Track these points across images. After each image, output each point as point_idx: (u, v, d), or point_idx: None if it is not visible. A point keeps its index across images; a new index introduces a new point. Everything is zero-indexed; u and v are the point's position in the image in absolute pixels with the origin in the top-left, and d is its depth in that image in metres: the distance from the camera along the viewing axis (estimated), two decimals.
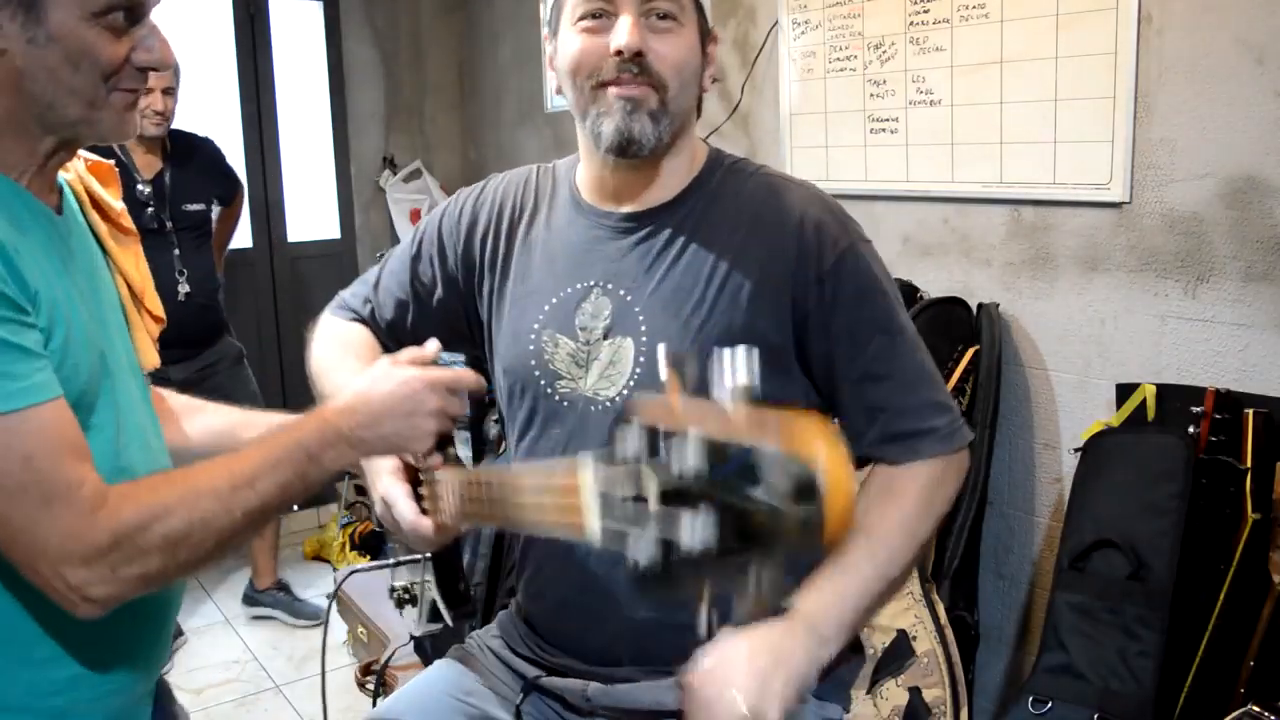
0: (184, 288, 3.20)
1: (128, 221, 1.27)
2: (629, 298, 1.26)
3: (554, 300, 1.31)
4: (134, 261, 1.26)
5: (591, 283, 1.29)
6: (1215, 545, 2.01)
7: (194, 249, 3.27)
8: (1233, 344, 2.07)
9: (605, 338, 1.26)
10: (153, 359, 1.25)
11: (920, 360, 1.23)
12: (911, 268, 2.66)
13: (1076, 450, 2.23)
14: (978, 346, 2.42)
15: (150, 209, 3.16)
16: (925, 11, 2.54)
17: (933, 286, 2.61)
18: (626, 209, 1.30)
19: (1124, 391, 2.21)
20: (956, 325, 2.46)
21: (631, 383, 1.24)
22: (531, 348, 1.31)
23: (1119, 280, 2.25)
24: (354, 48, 4.65)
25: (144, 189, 3.17)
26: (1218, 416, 2.04)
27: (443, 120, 4.89)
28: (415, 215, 4.60)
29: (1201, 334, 2.12)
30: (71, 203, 1.17)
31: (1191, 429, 2.05)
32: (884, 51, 2.66)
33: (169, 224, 3.19)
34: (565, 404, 1.28)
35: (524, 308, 1.34)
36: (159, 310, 1.29)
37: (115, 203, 1.25)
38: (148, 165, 3.23)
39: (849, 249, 1.22)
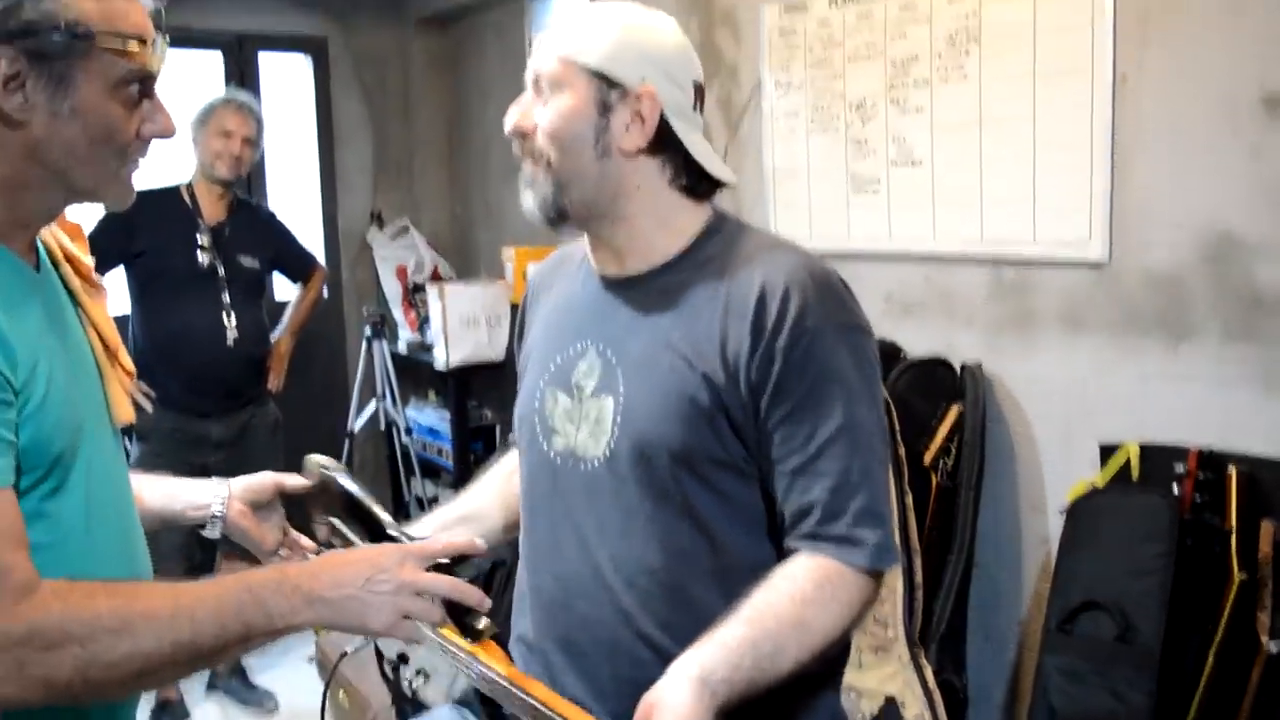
0: (233, 333, 3.27)
1: (96, 277, 1.27)
2: (614, 359, 1.28)
3: (558, 359, 1.34)
4: (104, 315, 1.26)
5: (588, 343, 1.31)
6: (1202, 606, 1.99)
7: (243, 301, 3.34)
8: (1214, 402, 2.07)
9: (593, 396, 1.28)
10: (127, 412, 1.25)
11: (866, 463, 1.18)
12: (894, 327, 2.67)
13: (1062, 511, 2.22)
14: (962, 406, 2.41)
15: (206, 253, 3.26)
16: (906, 72, 2.58)
17: (915, 346, 2.61)
18: (618, 273, 1.32)
19: (1107, 451, 2.21)
20: (940, 385, 2.46)
21: (611, 442, 1.25)
22: (536, 404, 1.35)
23: (1100, 339, 2.26)
24: (343, 104, 4.70)
25: (204, 235, 3.27)
26: (1201, 476, 2.03)
27: (431, 177, 4.92)
28: (401, 272, 4.62)
29: (1183, 392, 2.12)
30: (45, 259, 1.18)
31: (1175, 488, 2.05)
32: (865, 112, 2.69)
33: (221, 270, 3.27)
34: (557, 460, 1.31)
35: (537, 366, 1.38)
36: (129, 365, 1.29)
37: (85, 257, 1.26)
38: (212, 213, 3.33)
39: (814, 331, 1.17)
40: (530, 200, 1.28)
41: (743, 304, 1.20)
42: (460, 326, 4.04)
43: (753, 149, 3.04)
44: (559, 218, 1.28)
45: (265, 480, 1.43)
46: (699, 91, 1.28)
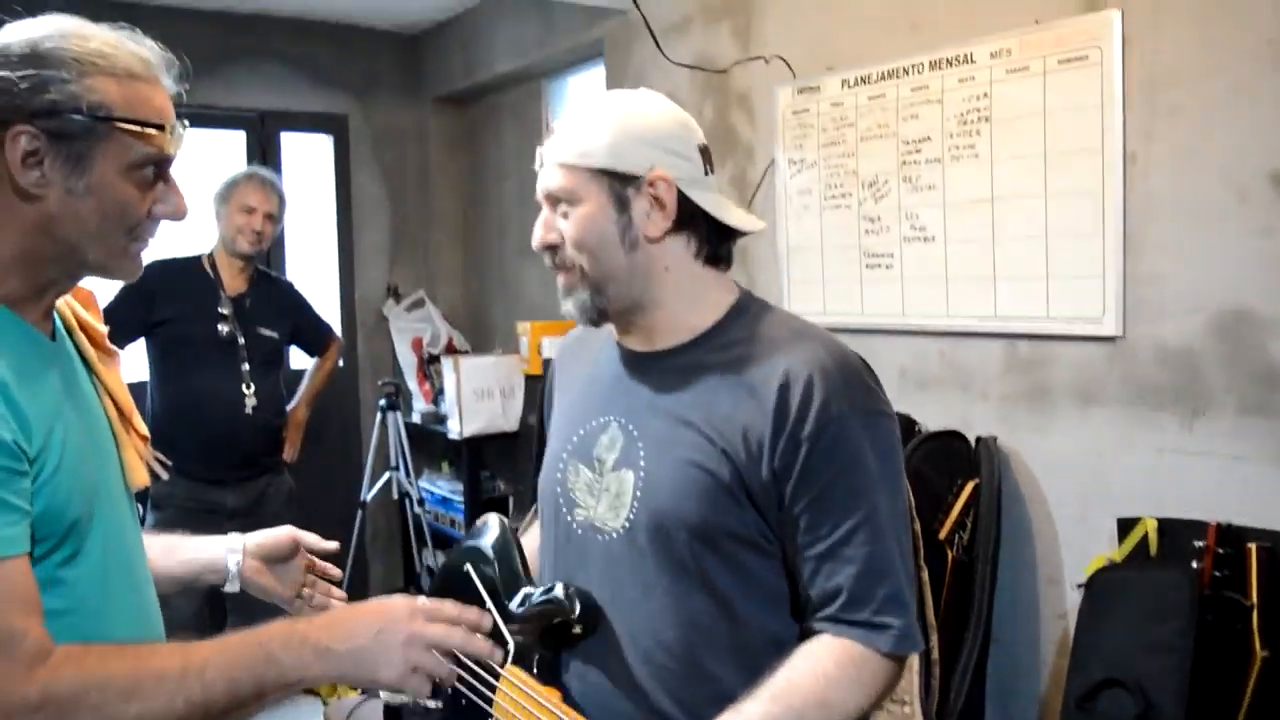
0: (251, 401, 3.29)
1: (109, 344, 1.29)
2: (635, 433, 1.29)
3: (581, 432, 1.36)
4: (118, 381, 1.28)
5: (611, 417, 1.33)
6: (1225, 685, 1.96)
7: (262, 371, 3.36)
8: (1232, 477, 2.07)
9: (614, 470, 1.30)
10: (142, 477, 1.26)
11: (890, 549, 1.18)
12: (909, 401, 2.67)
13: (1080, 586, 2.20)
14: (977, 480, 2.41)
15: (227, 323, 3.29)
16: (918, 151, 2.62)
17: (930, 419, 2.61)
18: (644, 349, 1.34)
19: (1125, 525, 2.20)
20: (955, 458, 2.46)
21: (631, 515, 1.26)
22: (558, 474, 1.37)
23: (1115, 414, 2.26)
24: (362, 180, 4.78)
25: (225, 306, 3.30)
26: (1220, 551, 2.02)
27: (447, 252, 4.99)
28: (417, 344, 4.65)
29: (1200, 467, 2.12)
30: (60, 327, 1.20)
31: (1195, 564, 2.03)
32: (878, 189, 2.72)
33: (241, 340, 3.30)
34: (579, 531, 1.32)
35: (560, 438, 1.40)
36: (144, 430, 1.30)
37: (98, 324, 1.28)
38: (233, 284, 3.36)
39: (838, 418, 1.18)
40: (570, 307, 1.31)
41: (765, 389, 1.21)
42: (474, 398, 4.07)
43: (767, 225, 3.07)
44: (600, 318, 1.31)
45: (281, 536, 1.46)
46: (705, 154, 1.29)
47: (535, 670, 1.25)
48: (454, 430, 4.12)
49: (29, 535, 1.01)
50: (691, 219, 1.27)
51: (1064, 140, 2.29)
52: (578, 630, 1.25)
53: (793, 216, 2.98)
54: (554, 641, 1.28)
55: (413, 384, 4.66)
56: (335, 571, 1.49)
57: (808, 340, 1.25)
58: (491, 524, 1.42)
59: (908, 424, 2.60)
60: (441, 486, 4.46)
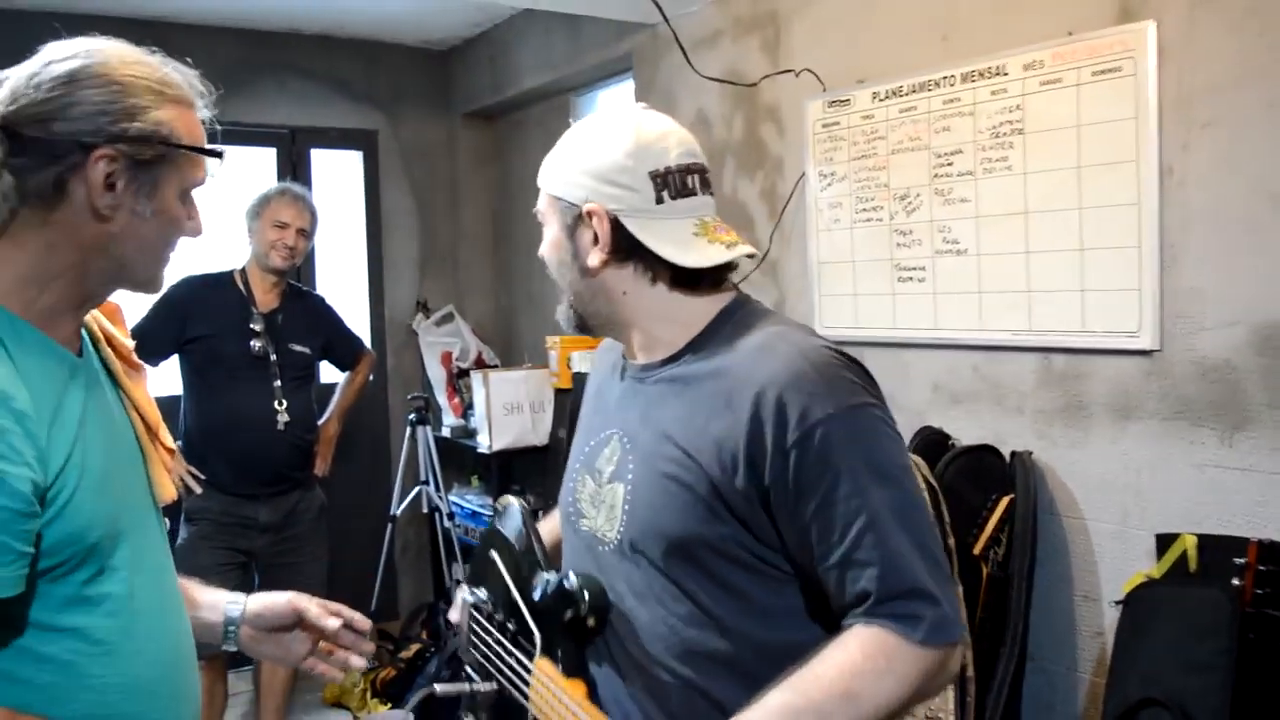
0: (283, 417, 3.31)
1: (135, 358, 1.32)
2: (628, 445, 1.32)
3: (591, 443, 1.39)
4: (145, 395, 1.30)
5: (613, 430, 1.36)
6: (1267, 704, 1.94)
7: (295, 387, 3.39)
8: (1274, 493, 2.04)
9: (609, 482, 1.32)
10: (169, 491, 1.28)
11: (902, 543, 1.15)
12: (943, 415, 2.66)
13: (1118, 603, 2.18)
14: (1012, 495, 2.39)
15: (259, 339, 3.31)
16: (949, 164, 2.61)
17: (964, 434, 2.60)
18: (642, 361, 1.36)
19: (1164, 542, 2.18)
20: (990, 473, 2.45)
21: (621, 528, 1.28)
22: (571, 484, 1.41)
23: (1153, 429, 2.24)
24: (392, 195, 4.82)
25: (257, 323, 3.33)
26: (1262, 568, 1.99)
27: (476, 266, 5.02)
28: (446, 358, 4.68)
29: (1241, 483, 2.10)
30: (87, 342, 1.22)
31: (1235, 581, 2.01)
32: (909, 202, 2.72)
33: (273, 356, 3.33)
34: (584, 542, 1.36)
35: (576, 447, 1.44)
36: (170, 442, 1.32)
37: (125, 340, 1.30)
38: (266, 301, 3.39)
39: (822, 421, 1.16)
40: (559, 316, 1.39)
41: (740, 399, 1.20)
42: (503, 412, 4.09)
43: (797, 239, 3.08)
44: (582, 328, 1.38)
45: (279, 608, 1.44)
46: (665, 179, 1.26)
47: (560, 662, 1.27)
48: (483, 444, 4.13)
49: (24, 578, 1.03)
50: (638, 249, 1.27)
51: (1099, 153, 2.28)
52: (591, 622, 1.27)
53: (823, 230, 2.98)
54: (575, 633, 1.30)
55: (442, 398, 4.69)
56: (363, 622, 1.48)
57: (783, 344, 1.23)
58: (512, 509, 1.46)
59: (941, 438, 2.59)
60: (471, 501, 4.48)
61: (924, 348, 2.72)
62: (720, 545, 1.21)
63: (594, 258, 1.28)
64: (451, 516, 4.31)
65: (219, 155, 1.18)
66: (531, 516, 1.45)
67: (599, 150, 1.28)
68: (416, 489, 4.28)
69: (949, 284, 2.63)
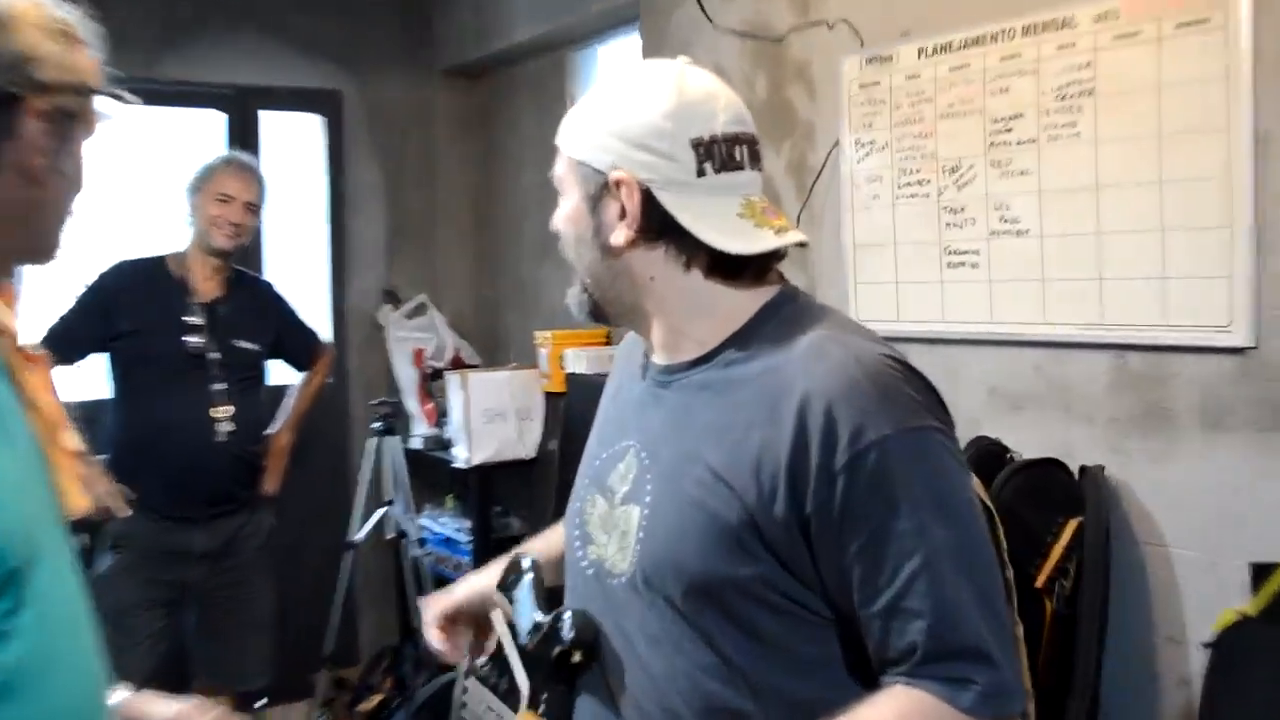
0: (224, 426, 3.29)
1: (33, 348, 1.29)
2: (648, 462, 1.31)
3: (603, 456, 1.39)
4: (45, 386, 1.28)
5: (630, 442, 1.35)
6: None
7: (239, 390, 3.36)
8: None
9: (622, 504, 1.31)
10: (80, 501, 1.26)
11: (959, 592, 1.14)
12: (999, 424, 2.66)
13: (1206, 645, 2.17)
14: (1081, 518, 2.39)
15: (197, 335, 3.29)
16: (1008, 130, 2.61)
17: (1025, 446, 2.59)
18: (667, 361, 1.35)
19: (1261, 573, 2.17)
20: (1055, 492, 2.44)
21: (634, 559, 1.27)
22: (578, 503, 1.40)
23: (1248, 440, 2.23)
24: (356, 167, 4.83)
25: (195, 315, 3.30)
26: None
27: (454, 251, 5.03)
28: (418, 357, 4.69)
29: None
30: None
31: None
32: (961, 175, 2.72)
33: (213, 354, 3.31)
34: (589, 570, 1.34)
35: (586, 459, 1.44)
36: (73, 443, 1.30)
37: (11, 323, 1.28)
38: (206, 290, 3.37)
39: (877, 443, 1.15)
40: (570, 300, 1.39)
41: (783, 412, 1.19)
42: (485, 421, 4.09)
43: (830, 218, 3.08)
44: (597, 317, 1.38)
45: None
46: (709, 148, 1.26)
47: (543, 710, 1.30)
48: (460, 458, 4.13)
49: None
50: (671, 229, 1.27)
51: (1182, 118, 2.27)
52: (576, 658, 1.29)
53: (860, 208, 2.98)
54: (565, 674, 1.31)
55: (413, 404, 4.69)
56: None
57: (836, 349, 1.22)
58: (524, 579, 1.46)
59: (998, 451, 2.58)
60: (445, 524, 4.48)
61: (978, 344, 2.71)
62: (750, 587, 1.20)
63: (619, 235, 1.28)
64: (422, 543, 4.31)
65: (126, 101, 1.17)
66: (540, 579, 1.46)
67: (633, 109, 1.27)
68: (381, 510, 4.28)
69: (1007, 270, 2.63)
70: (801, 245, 1.32)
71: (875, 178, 2.94)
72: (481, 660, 1.48)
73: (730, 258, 1.27)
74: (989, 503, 2.30)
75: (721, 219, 1.27)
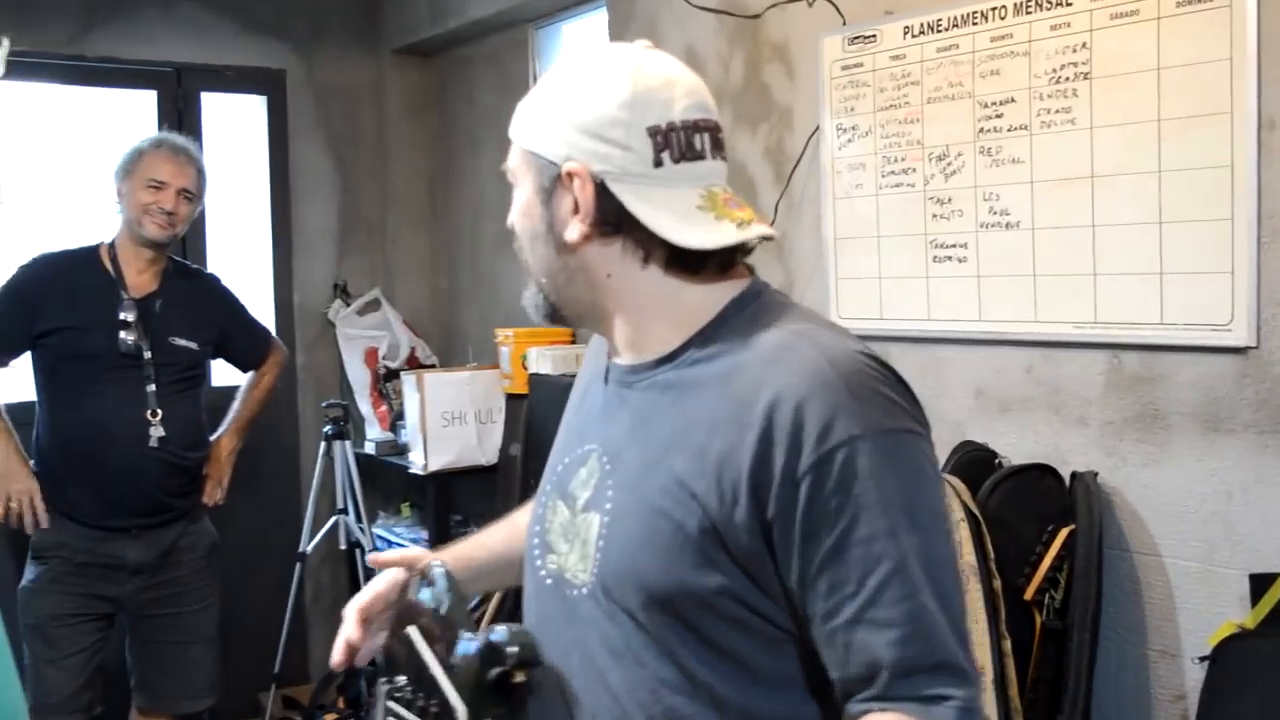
0: (157, 430, 3.24)
1: None
2: (609, 467, 1.32)
3: (566, 460, 1.40)
4: None
5: (593, 446, 1.36)
6: None
7: (175, 393, 3.32)
8: None
9: (583, 511, 1.33)
10: None
11: (931, 603, 1.14)
12: (988, 427, 2.68)
13: (1203, 659, 2.20)
14: (1073, 526, 2.41)
15: (130, 332, 3.23)
16: (998, 116, 2.62)
17: (1014, 451, 2.62)
18: (632, 361, 1.36)
19: (1260, 583, 2.19)
20: (1045, 499, 2.46)
21: (595, 569, 1.28)
22: (540, 510, 1.42)
23: (1248, 444, 2.26)
24: (304, 151, 4.80)
25: (127, 310, 3.25)
26: None
27: (408, 242, 5.01)
28: (371, 355, 4.68)
29: None
30: None
31: None
32: (949, 164, 2.74)
33: (148, 354, 3.26)
34: (549, 581, 1.36)
35: (550, 464, 1.45)
36: None
37: None
38: (139, 284, 3.32)
39: (846, 443, 1.15)
40: (526, 301, 1.40)
41: (749, 412, 1.20)
42: (443, 424, 4.08)
43: (809, 209, 3.09)
44: (555, 318, 1.39)
45: None
46: (670, 136, 1.27)
47: None
48: (417, 464, 4.13)
49: None
50: (627, 222, 1.28)
51: (1183, 103, 2.29)
52: (518, 678, 1.27)
53: (841, 198, 2.99)
54: (506, 696, 1.29)
55: (365, 406, 4.68)
56: None
57: (806, 346, 1.22)
58: (439, 581, 1.44)
59: (986, 457, 2.61)
60: (401, 534, 4.47)
61: (965, 344, 2.73)
62: (714, 600, 1.21)
63: (573, 230, 1.28)
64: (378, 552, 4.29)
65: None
66: (457, 583, 1.44)
67: (587, 97, 1.28)
68: (333, 520, 4.28)
69: (996, 265, 2.65)
70: (767, 239, 1.32)
71: (858, 165, 2.95)
72: (401, 680, 1.45)
73: (690, 252, 1.27)
74: (975, 510, 2.35)
75: (680, 211, 1.27)
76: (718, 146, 1.31)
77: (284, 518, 4.50)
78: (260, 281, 4.70)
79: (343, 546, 4.33)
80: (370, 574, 3.98)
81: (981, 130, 2.66)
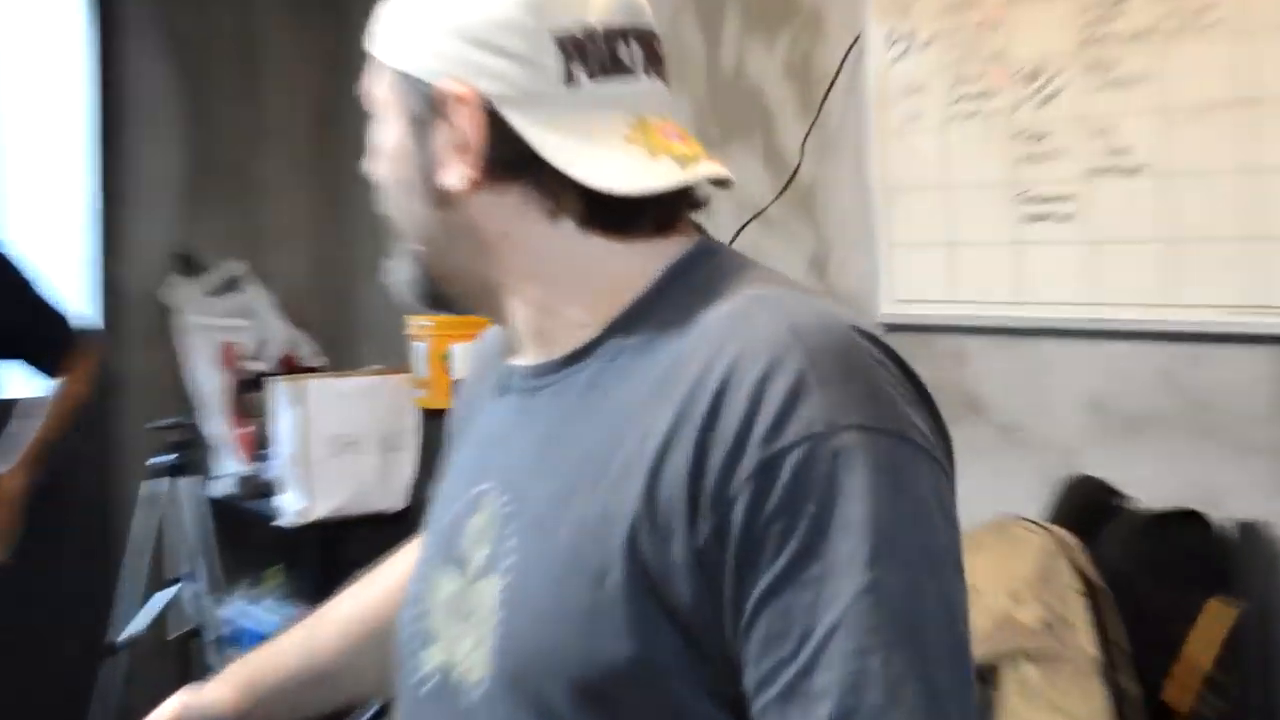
0: None
1: None
2: (510, 509, 1.31)
3: (455, 510, 1.39)
4: None
5: (486, 486, 1.36)
6: None
7: None
8: None
9: (478, 577, 1.32)
10: None
11: (893, 671, 1.10)
12: (1109, 456, 2.66)
13: None
14: (1234, 599, 2.39)
15: None
16: (1111, 20, 2.62)
17: (1145, 488, 2.59)
18: (540, 359, 1.36)
19: None
20: (1192, 559, 2.45)
21: (494, 656, 1.26)
22: (416, 589, 1.42)
23: None
24: (139, 66, 4.79)
25: None
26: None
27: (286, 197, 5.02)
28: (229, 354, 4.68)
29: None
30: None
31: None
32: (1044, 84, 2.73)
33: None
34: (429, 688, 1.34)
35: (431, 524, 1.47)
36: None
37: None
38: None
39: (804, 442, 1.12)
40: (394, 276, 1.44)
41: (691, 406, 1.18)
42: (330, 453, 4.08)
43: (849, 150, 3.09)
44: (435, 300, 1.43)
45: None
46: (585, 45, 1.28)
47: None
48: (292, 511, 4.12)
49: None
50: (529, 162, 1.27)
51: None
52: None
53: (894, 134, 2.99)
54: None
55: (218, 427, 4.68)
56: None
57: (762, 312, 1.20)
58: None
59: (1103, 496, 2.59)
60: (267, 613, 4.46)
61: (1074, 337, 2.72)
62: (658, 680, 1.17)
63: (455, 174, 1.28)
64: (232, 642, 4.24)
65: None
66: None
67: None
68: (167, 593, 4.25)
69: (1114, 226, 2.64)
70: (720, 184, 1.31)
71: (917, 88, 2.95)
72: None
73: (614, 202, 1.27)
74: (1090, 575, 2.29)
75: (600, 145, 1.27)
76: (654, 61, 1.31)
77: (93, 590, 4.45)
78: (69, 248, 4.70)
79: (177, 633, 4.31)
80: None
81: (1088, 38, 2.66)
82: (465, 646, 1.29)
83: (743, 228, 3.19)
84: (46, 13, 4.69)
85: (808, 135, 3.15)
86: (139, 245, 4.78)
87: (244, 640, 4.32)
